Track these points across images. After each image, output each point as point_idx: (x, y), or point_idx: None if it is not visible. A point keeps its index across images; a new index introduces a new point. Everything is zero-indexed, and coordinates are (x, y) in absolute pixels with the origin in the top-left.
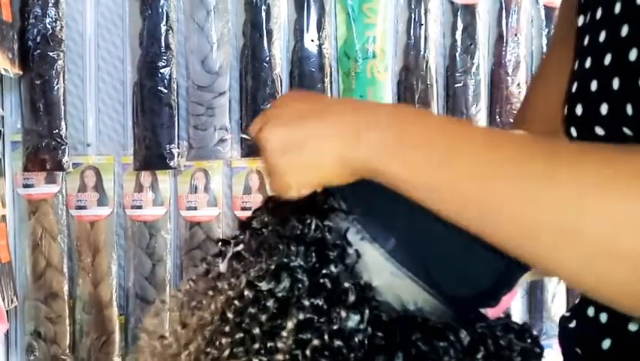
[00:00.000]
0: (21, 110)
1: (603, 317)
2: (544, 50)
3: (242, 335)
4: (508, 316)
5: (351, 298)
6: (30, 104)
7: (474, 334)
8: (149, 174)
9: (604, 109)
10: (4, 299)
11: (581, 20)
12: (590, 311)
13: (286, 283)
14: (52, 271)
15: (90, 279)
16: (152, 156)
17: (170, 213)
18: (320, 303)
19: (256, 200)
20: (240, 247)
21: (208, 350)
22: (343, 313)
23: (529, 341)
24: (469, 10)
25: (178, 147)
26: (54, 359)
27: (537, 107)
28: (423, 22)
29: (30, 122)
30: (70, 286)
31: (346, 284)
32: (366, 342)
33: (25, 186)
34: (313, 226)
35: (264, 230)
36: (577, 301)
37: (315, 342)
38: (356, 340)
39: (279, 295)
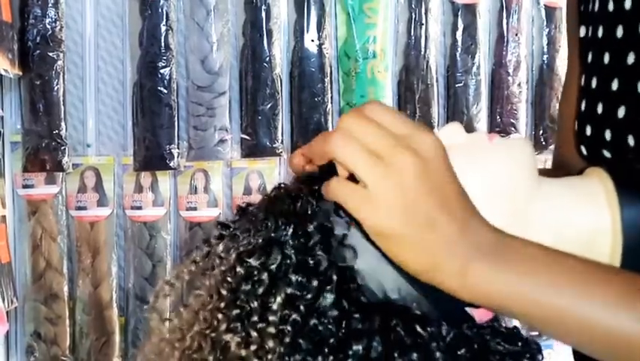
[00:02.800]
0: (21, 110)
1: None
2: (545, 49)
3: (237, 311)
4: (496, 320)
5: (332, 277)
6: (30, 105)
7: (458, 332)
8: (149, 175)
9: (607, 135)
10: (4, 300)
11: (582, 31)
12: None
13: (277, 257)
14: (52, 271)
15: (90, 280)
16: (152, 156)
17: (170, 213)
18: (302, 280)
19: (256, 200)
20: (236, 226)
21: (207, 331)
22: (320, 291)
23: (519, 344)
24: (470, 10)
25: (178, 148)
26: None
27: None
28: (423, 21)
29: (30, 123)
30: (70, 287)
31: (325, 263)
32: (343, 324)
33: (25, 186)
34: (302, 204)
35: (258, 211)
36: None
37: (296, 318)
38: (331, 320)
39: (271, 268)
